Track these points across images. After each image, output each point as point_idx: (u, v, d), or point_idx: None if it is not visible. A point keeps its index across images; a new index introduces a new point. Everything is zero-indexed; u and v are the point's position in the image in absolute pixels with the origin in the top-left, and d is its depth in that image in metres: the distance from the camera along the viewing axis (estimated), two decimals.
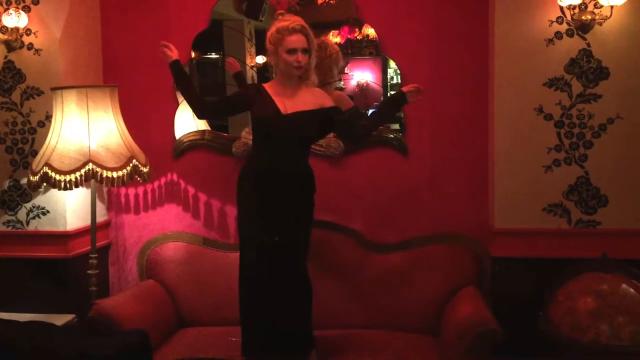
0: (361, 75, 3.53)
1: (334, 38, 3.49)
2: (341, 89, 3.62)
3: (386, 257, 3.27)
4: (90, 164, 2.79)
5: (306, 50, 2.77)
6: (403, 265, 3.23)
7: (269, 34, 2.80)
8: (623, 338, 2.51)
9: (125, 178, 2.87)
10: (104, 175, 2.81)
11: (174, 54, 2.89)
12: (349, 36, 3.49)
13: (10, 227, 3.30)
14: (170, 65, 2.89)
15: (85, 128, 2.85)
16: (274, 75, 2.89)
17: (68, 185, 2.78)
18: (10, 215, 3.29)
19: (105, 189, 3.55)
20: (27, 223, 3.29)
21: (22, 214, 3.29)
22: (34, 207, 3.27)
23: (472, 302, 2.92)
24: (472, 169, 3.28)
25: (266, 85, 2.86)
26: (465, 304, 2.94)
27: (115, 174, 2.84)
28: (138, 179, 2.99)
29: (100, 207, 3.55)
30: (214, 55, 3.70)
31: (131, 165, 2.91)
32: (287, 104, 2.79)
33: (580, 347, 2.55)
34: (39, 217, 3.27)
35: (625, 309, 2.55)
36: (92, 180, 2.84)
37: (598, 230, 2.99)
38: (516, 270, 3.05)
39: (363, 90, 3.65)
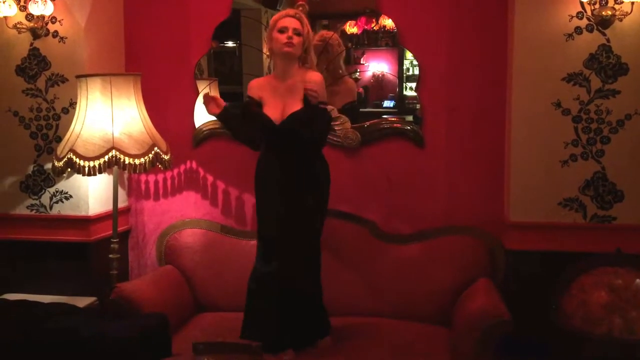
0: (377, 66, 3.55)
1: (351, 28, 3.51)
2: (356, 79, 3.66)
3: (400, 248, 3.30)
4: (114, 151, 2.86)
5: (298, 32, 2.84)
6: (417, 256, 3.27)
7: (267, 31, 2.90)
8: (636, 332, 2.53)
9: (147, 165, 2.93)
10: (127, 162, 2.87)
11: (219, 104, 2.90)
12: (366, 27, 3.51)
13: (34, 211, 3.38)
14: (218, 116, 2.92)
15: (109, 115, 2.91)
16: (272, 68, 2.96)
17: (92, 171, 2.84)
18: (34, 199, 3.37)
19: (125, 176, 3.62)
20: (51, 207, 3.36)
21: (45, 199, 3.37)
22: (57, 191, 3.35)
23: (485, 294, 2.95)
24: (488, 161, 3.30)
25: (263, 82, 2.93)
26: (478, 295, 2.97)
27: (137, 161, 2.90)
28: (159, 166, 3.05)
29: (121, 193, 3.61)
30: (230, 44, 3.73)
31: (153, 152, 2.96)
32: (280, 106, 2.86)
33: (592, 339, 2.58)
34: (62, 202, 3.35)
35: (638, 303, 2.57)
36: (115, 167, 2.90)
37: (613, 225, 3.00)
38: (530, 263, 3.06)
39: (378, 81, 3.66)
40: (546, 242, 3.05)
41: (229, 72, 3.75)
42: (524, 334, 2.73)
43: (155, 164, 2.99)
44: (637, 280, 2.62)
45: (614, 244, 2.83)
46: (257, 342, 2.48)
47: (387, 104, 3.71)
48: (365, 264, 3.30)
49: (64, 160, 2.89)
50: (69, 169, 2.89)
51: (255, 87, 2.95)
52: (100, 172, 2.86)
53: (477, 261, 3.20)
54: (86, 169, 2.83)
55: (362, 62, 3.62)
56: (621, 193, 2.99)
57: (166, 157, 3.05)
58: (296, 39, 2.83)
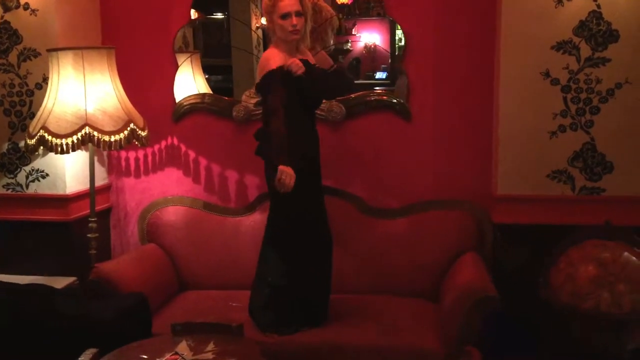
0: (369, 37, 3.43)
1: None
2: (348, 50, 3.55)
3: (388, 223, 3.24)
4: (87, 128, 2.76)
5: (300, 13, 2.74)
6: (405, 231, 3.21)
7: (263, 4, 2.76)
8: (623, 306, 2.49)
9: (122, 142, 2.84)
10: (101, 139, 2.77)
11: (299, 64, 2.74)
12: None
13: (10, 190, 3.29)
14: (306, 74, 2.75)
15: (81, 91, 2.80)
16: (272, 42, 2.84)
17: (65, 148, 2.75)
18: (9, 178, 3.28)
19: (105, 153, 3.53)
20: (27, 186, 3.27)
21: (21, 177, 3.28)
22: (33, 170, 3.26)
23: (473, 269, 2.90)
24: (476, 134, 3.22)
25: (274, 52, 2.79)
26: (465, 270, 2.92)
27: (112, 138, 2.81)
28: (136, 143, 2.96)
29: (101, 171, 3.53)
30: (219, 16, 3.61)
31: (129, 129, 2.87)
32: None
33: (579, 313, 2.54)
34: (39, 180, 3.26)
35: (626, 277, 2.53)
36: (90, 144, 2.80)
37: (602, 197, 2.95)
38: (518, 236, 3.02)
39: (370, 52, 3.57)
40: (534, 215, 3.00)
41: (218, 45, 3.64)
42: (511, 309, 2.69)
43: (131, 141, 2.90)
44: (625, 253, 2.57)
45: (603, 217, 2.77)
46: (237, 323, 2.45)
47: (380, 75, 3.63)
48: (353, 240, 3.24)
49: (36, 138, 2.79)
50: (42, 147, 2.80)
51: (278, 58, 2.77)
52: (73, 150, 2.77)
53: (465, 235, 3.15)
54: (59, 146, 2.74)
55: (353, 32, 3.52)
56: (610, 164, 2.93)
57: (143, 134, 2.96)
58: (300, 23, 2.74)
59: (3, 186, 3.29)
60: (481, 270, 2.86)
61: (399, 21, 3.25)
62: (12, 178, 3.28)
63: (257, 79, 2.83)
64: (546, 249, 2.82)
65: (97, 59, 2.86)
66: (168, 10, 3.42)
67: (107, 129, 2.80)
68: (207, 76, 3.62)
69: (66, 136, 2.74)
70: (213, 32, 3.67)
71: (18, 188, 3.29)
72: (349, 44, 3.55)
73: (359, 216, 3.26)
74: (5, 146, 3.27)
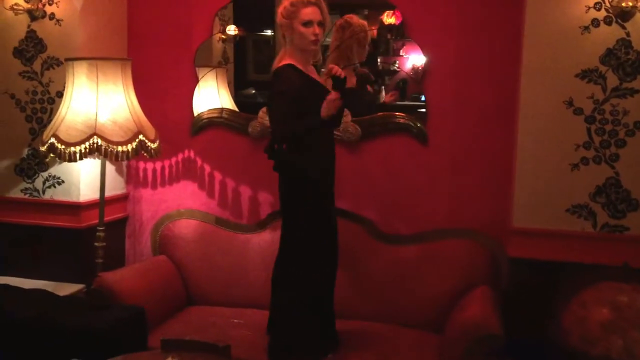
0: (417, 58, 3.33)
1: (389, 18, 3.34)
2: (395, 71, 3.49)
3: (398, 249, 3.14)
4: (95, 137, 2.78)
5: (321, 23, 2.68)
6: (415, 259, 3.10)
7: (281, 8, 2.69)
8: (636, 355, 2.31)
9: (130, 153, 2.85)
10: (108, 149, 2.79)
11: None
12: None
13: (28, 195, 3.35)
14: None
15: (93, 100, 2.83)
16: (285, 49, 2.74)
17: (72, 157, 2.77)
18: (28, 183, 3.35)
19: (124, 162, 3.56)
20: (43, 192, 3.33)
21: (38, 183, 3.33)
22: (50, 176, 3.31)
23: (481, 303, 2.76)
24: (494, 162, 3.10)
25: (293, 63, 2.69)
26: (474, 304, 2.78)
27: (120, 148, 2.82)
28: (145, 154, 2.97)
29: (119, 180, 3.57)
30: (269, 33, 3.61)
31: (137, 140, 2.88)
32: None
33: (589, 359, 2.38)
34: (55, 187, 3.31)
35: None
36: (97, 153, 2.82)
37: (625, 236, 2.77)
38: (533, 272, 2.86)
39: (417, 74, 3.49)
40: (551, 251, 2.84)
41: (267, 61, 3.63)
42: (520, 348, 2.54)
43: (139, 152, 2.91)
44: None
45: (624, 257, 2.61)
46: (235, 341, 2.40)
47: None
48: (360, 264, 3.15)
49: (47, 145, 2.83)
50: (51, 154, 2.83)
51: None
52: (80, 159, 2.79)
53: (478, 267, 3.02)
54: (67, 154, 2.76)
55: (401, 53, 3.44)
56: (636, 202, 2.76)
57: (153, 146, 2.96)
58: (321, 32, 2.68)
59: (21, 190, 3.36)
60: (490, 306, 2.72)
61: (419, 44, 3.17)
62: (30, 183, 3.34)
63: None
64: (560, 287, 2.67)
65: (111, 70, 2.88)
66: (190, 25, 3.45)
67: (115, 139, 2.81)
68: (253, 91, 3.62)
69: (75, 144, 2.77)
70: (263, 49, 3.67)
71: (35, 193, 3.34)
72: (396, 65, 3.48)
73: (369, 240, 3.18)
74: (25, 151, 3.34)
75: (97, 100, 2.83)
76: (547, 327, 2.59)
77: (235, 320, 3.07)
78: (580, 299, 2.53)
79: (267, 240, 3.28)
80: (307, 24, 2.64)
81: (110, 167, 3.40)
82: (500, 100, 3.07)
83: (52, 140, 2.81)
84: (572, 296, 2.58)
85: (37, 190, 3.34)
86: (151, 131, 3.02)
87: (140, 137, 2.88)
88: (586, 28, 2.74)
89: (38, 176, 3.33)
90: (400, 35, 3.32)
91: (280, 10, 2.69)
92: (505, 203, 3.04)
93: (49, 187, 3.32)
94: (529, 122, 2.85)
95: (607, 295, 2.45)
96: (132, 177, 3.63)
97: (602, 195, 2.79)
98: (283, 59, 2.70)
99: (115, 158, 2.82)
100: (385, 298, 3.09)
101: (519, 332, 2.69)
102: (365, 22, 3.23)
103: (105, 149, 2.78)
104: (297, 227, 2.74)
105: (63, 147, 2.77)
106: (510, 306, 2.84)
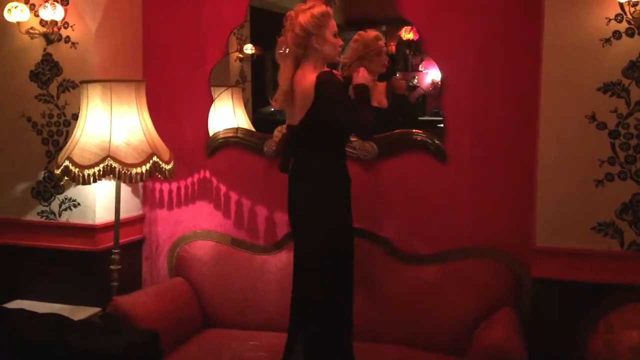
0: (436, 73, 3.28)
1: (407, 34, 3.31)
2: (415, 86, 3.45)
3: (417, 270, 3.07)
4: (109, 159, 2.77)
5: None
6: (435, 279, 3.02)
7: (306, 19, 2.61)
8: None
9: (144, 175, 2.83)
10: (122, 171, 2.77)
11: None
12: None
13: (44, 218, 3.35)
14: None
15: (107, 122, 2.82)
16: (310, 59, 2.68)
17: (86, 179, 2.76)
18: (44, 206, 3.35)
19: (140, 184, 3.55)
20: (60, 214, 3.33)
21: (55, 205, 3.33)
22: (66, 199, 3.31)
23: (504, 326, 2.67)
24: (515, 179, 3.01)
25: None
26: (496, 326, 2.70)
27: (134, 170, 2.80)
28: (159, 176, 2.94)
29: (135, 202, 3.56)
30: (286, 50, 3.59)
31: (151, 162, 2.85)
32: None
33: None
34: (71, 209, 3.31)
35: None
36: (111, 176, 2.81)
37: None
38: (558, 293, 2.76)
39: (437, 89, 3.44)
40: (577, 271, 2.74)
41: None
42: None
43: (153, 174, 2.89)
44: None
45: None
46: None
47: None
48: (378, 285, 3.08)
49: (62, 167, 2.83)
50: (66, 177, 2.82)
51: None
52: (94, 181, 2.78)
53: (500, 288, 2.93)
54: (81, 177, 2.75)
55: (420, 69, 3.40)
56: None
57: (167, 167, 2.94)
58: None
59: (38, 213, 3.36)
60: (513, 329, 2.63)
61: (435, 59, 3.12)
62: (47, 206, 3.34)
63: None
64: (588, 308, 2.57)
65: (125, 92, 2.88)
66: (205, 45, 3.44)
67: (129, 161, 2.79)
68: (272, 108, 3.60)
69: (89, 167, 2.76)
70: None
71: (51, 216, 3.34)
72: (415, 80, 3.44)
73: (387, 260, 3.11)
74: (42, 174, 3.34)
75: (111, 122, 2.82)
76: (573, 351, 2.48)
77: (252, 343, 3.01)
78: (607, 322, 2.43)
79: (283, 260, 3.23)
80: (336, 34, 2.68)
81: (126, 189, 3.39)
82: (519, 115, 2.99)
83: (67, 163, 2.80)
84: (599, 319, 2.48)
85: (54, 213, 3.34)
86: (165, 152, 3.00)
87: (154, 158, 2.86)
88: (607, 40, 2.66)
89: (54, 199, 3.33)
90: (418, 50, 3.28)
91: (306, 21, 2.61)
92: (527, 221, 2.95)
93: (65, 209, 3.31)
94: (550, 137, 2.77)
95: (636, 318, 2.34)
96: (148, 198, 3.61)
97: (628, 213, 2.69)
98: (316, 68, 2.66)
99: (129, 180, 2.80)
100: (405, 320, 3.01)
101: (544, 356, 2.60)
102: (377, 33, 3.17)
103: (119, 171, 2.77)
104: (327, 242, 2.63)
105: (77, 169, 2.76)
106: (534, 329, 2.75)
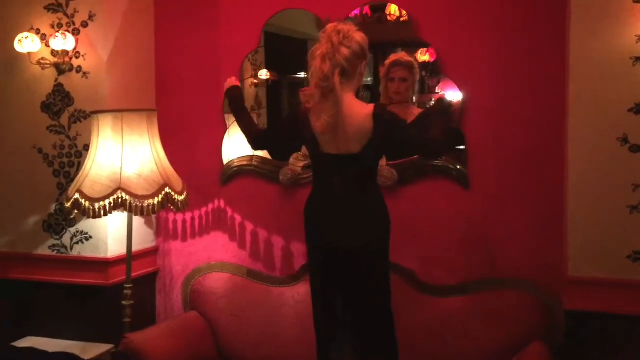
0: (453, 94, 3.19)
1: (423, 56, 3.22)
2: None
3: (440, 301, 2.92)
4: (120, 191, 2.68)
5: None
6: (459, 312, 2.87)
7: (361, 38, 2.51)
8: None
9: (156, 207, 2.73)
10: (133, 203, 2.68)
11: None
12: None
13: (55, 252, 3.27)
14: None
15: (118, 154, 2.74)
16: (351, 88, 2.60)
17: (97, 212, 2.67)
18: (55, 239, 3.27)
19: (153, 215, 3.46)
20: (71, 248, 3.24)
21: (66, 239, 3.25)
22: (77, 232, 3.23)
23: None
24: (543, 205, 2.87)
25: None
26: None
27: (145, 202, 2.70)
28: (171, 207, 2.85)
29: (149, 233, 3.47)
30: (302, 75, 3.53)
31: (163, 193, 2.76)
32: None
33: None
34: (82, 243, 3.22)
35: None
36: (122, 208, 2.72)
37: None
38: (592, 326, 2.61)
39: (457, 110, 3.34)
40: (612, 303, 2.58)
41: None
42: None
43: (165, 206, 2.79)
44: None
45: None
46: None
47: None
48: (400, 316, 2.91)
49: (72, 201, 2.74)
50: (76, 211, 2.74)
51: None
52: (105, 215, 2.69)
53: (530, 321, 2.77)
54: (91, 210, 2.66)
55: (437, 90, 3.30)
56: None
57: (180, 198, 2.84)
58: None
59: (49, 247, 3.28)
60: None
61: (455, 81, 3.01)
62: (58, 239, 3.26)
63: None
64: (625, 343, 2.41)
65: (136, 122, 2.80)
66: (218, 72, 3.36)
67: (140, 192, 2.70)
68: None
69: (99, 200, 2.67)
70: (297, 91, 3.58)
71: (63, 250, 3.26)
72: (433, 102, 3.34)
73: (409, 291, 2.97)
74: (53, 207, 3.27)
75: (122, 153, 2.74)
76: None
77: None
78: None
79: (301, 293, 3.10)
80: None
81: (139, 220, 3.30)
82: (545, 138, 2.86)
83: (77, 195, 2.72)
84: (636, 353, 2.31)
85: (65, 247, 3.25)
86: (178, 183, 2.91)
87: (167, 189, 2.77)
88: (638, 59, 2.53)
89: (66, 232, 3.25)
90: (435, 72, 3.19)
91: (364, 40, 2.51)
92: (558, 250, 2.80)
93: (77, 243, 3.23)
94: (579, 161, 2.63)
95: None
96: (161, 230, 3.52)
97: None
98: (357, 96, 2.63)
99: (140, 212, 2.70)
100: (428, 353, 2.86)
101: None
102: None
103: (130, 203, 2.67)
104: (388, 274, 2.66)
105: (87, 202, 2.67)
106: None
